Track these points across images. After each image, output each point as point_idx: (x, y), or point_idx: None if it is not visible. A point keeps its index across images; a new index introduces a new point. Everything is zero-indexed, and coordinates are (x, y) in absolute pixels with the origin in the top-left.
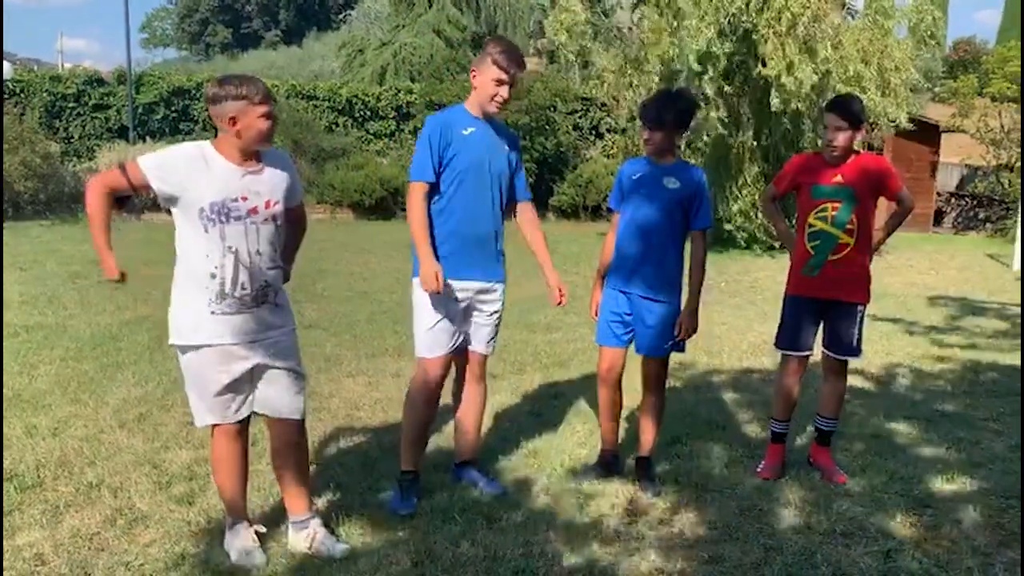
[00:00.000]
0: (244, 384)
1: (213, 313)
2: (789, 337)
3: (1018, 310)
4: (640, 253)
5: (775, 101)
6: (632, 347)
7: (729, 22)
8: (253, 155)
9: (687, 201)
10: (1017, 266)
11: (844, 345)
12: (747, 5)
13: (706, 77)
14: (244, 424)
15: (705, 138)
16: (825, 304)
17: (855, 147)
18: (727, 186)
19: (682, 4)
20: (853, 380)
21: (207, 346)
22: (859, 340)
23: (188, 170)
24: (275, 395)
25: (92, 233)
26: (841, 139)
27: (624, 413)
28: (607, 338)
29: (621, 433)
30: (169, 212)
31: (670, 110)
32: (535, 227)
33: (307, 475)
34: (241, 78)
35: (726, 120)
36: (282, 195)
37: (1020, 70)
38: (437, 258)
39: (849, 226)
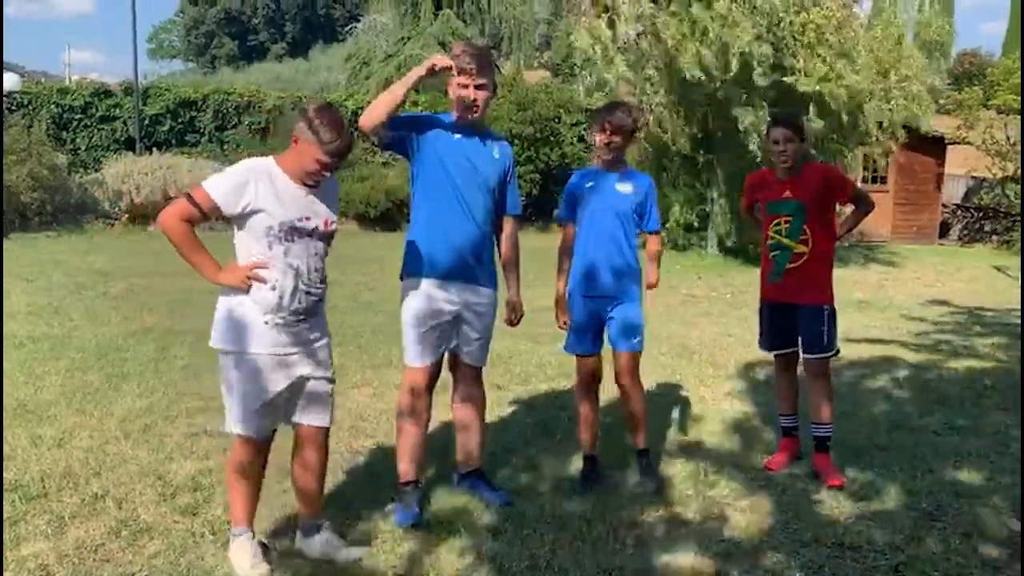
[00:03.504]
0: (283, 398)
1: (267, 324)
2: (767, 339)
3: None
4: (605, 257)
5: (814, 116)
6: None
7: (767, 28)
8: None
9: (640, 205)
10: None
11: (816, 345)
12: (774, 18)
13: (757, 71)
14: (271, 439)
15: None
16: (791, 308)
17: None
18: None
19: (714, 11)
20: (858, 394)
21: (259, 355)
22: (831, 338)
23: (255, 188)
24: (312, 404)
25: (192, 262)
26: (790, 151)
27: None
28: (584, 346)
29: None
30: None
31: (630, 116)
32: (510, 242)
33: (324, 482)
34: (333, 120)
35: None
36: (333, 217)
37: (1021, 82)
38: (424, 265)
39: (803, 236)
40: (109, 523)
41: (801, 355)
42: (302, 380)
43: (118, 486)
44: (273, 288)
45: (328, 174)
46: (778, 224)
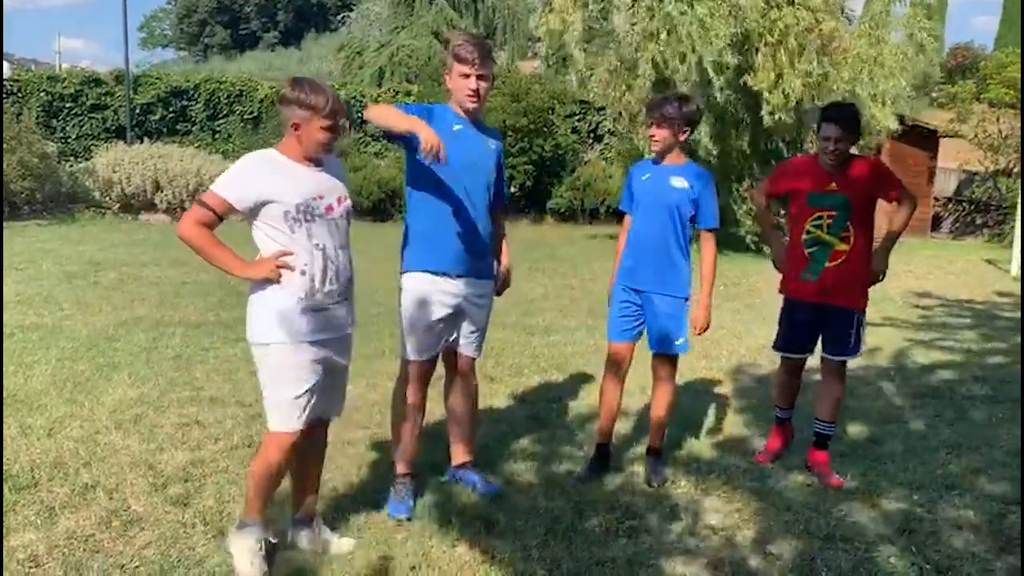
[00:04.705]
0: (318, 385)
1: (303, 311)
2: (787, 340)
3: (1014, 314)
4: (651, 251)
5: (765, 116)
6: (638, 345)
7: (740, 35)
8: (314, 158)
9: (694, 201)
10: (1016, 270)
11: (842, 347)
12: (748, 23)
13: (716, 85)
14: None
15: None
16: (822, 308)
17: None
18: (730, 190)
19: (694, 16)
20: (850, 384)
21: (301, 342)
22: (858, 341)
23: (264, 177)
24: (332, 395)
25: (218, 263)
26: (841, 149)
27: (634, 409)
28: (615, 333)
29: (626, 430)
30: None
31: (678, 108)
32: (501, 228)
33: (321, 474)
34: (313, 86)
35: (720, 131)
36: (345, 192)
37: (1020, 75)
38: (428, 259)
39: (845, 234)
40: (100, 513)
41: (820, 353)
42: (331, 366)
43: (109, 476)
44: (303, 272)
45: (335, 135)
46: (819, 218)
